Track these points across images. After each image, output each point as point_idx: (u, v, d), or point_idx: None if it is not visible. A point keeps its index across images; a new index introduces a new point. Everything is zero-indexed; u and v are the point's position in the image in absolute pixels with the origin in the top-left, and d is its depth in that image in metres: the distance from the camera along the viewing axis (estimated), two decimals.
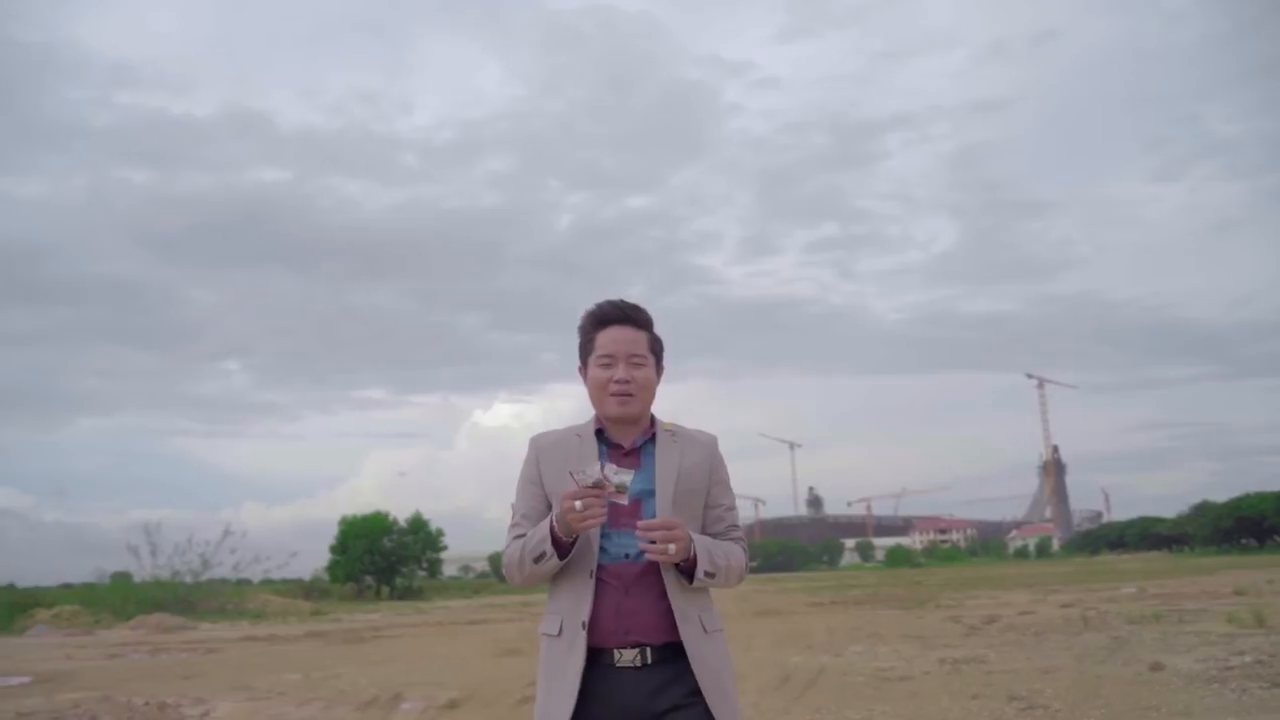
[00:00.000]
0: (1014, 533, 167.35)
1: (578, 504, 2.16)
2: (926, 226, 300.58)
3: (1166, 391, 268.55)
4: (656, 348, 2.48)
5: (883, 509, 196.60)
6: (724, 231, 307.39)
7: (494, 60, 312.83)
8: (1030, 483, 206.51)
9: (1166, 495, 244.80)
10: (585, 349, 2.46)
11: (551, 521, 2.26)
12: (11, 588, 42.04)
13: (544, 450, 2.46)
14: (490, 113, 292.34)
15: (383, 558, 52.89)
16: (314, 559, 56.86)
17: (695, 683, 2.23)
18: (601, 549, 2.31)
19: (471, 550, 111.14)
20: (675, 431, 2.46)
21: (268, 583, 43.56)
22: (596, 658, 2.25)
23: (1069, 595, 21.83)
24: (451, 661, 12.73)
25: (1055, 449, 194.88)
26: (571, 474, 2.19)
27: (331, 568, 53.01)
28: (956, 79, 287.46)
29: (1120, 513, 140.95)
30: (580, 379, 2.48)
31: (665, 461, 2.38)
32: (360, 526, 52.77)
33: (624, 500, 2.18)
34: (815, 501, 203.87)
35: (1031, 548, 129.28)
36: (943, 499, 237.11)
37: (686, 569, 2.28)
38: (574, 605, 2.29)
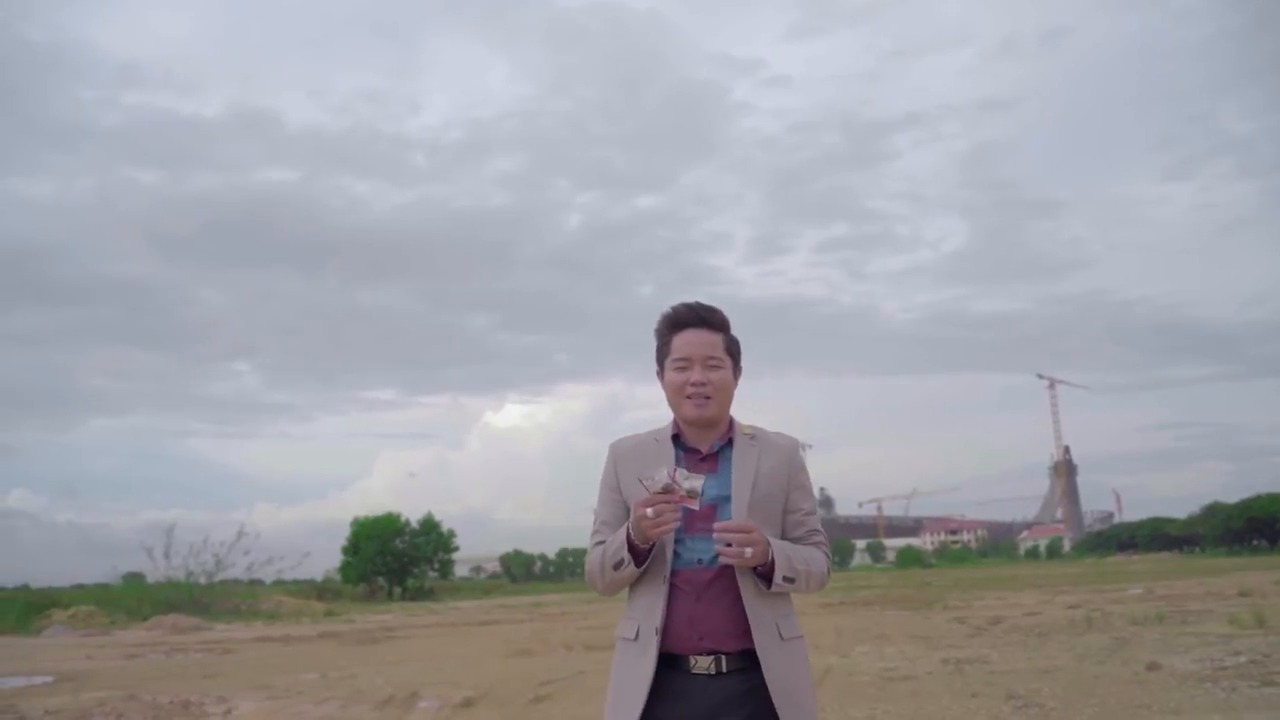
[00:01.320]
0: (1025, 533, 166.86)
1: (649, 511, 2.15)
2: (937, 226, 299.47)
3: (1178, 391, 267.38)
4: (733, 350, 2.46)
5: (893, 510, 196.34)
6: (734, 232, 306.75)
7: (502, 59, 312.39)
8: (1041, 483, 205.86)
9: (1178, 496, 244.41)
10: (662, 352, 2.47)
11: (628, 529, 2.27)
12: (25, 588, 42.47)
13: (621, 456, 2.47)
14: (499, 112, 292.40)
15: (394, 558, 53.34)
16: (325, 559, 57.39)
17: (768, 695, 2.22)
18: (676, 554, 2.31)
19: (482, 551, 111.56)
20: (755, 435, 2.44)
21: (279, 583, 43.93)
22: (671, 663, 2.26)
23: (1076, 596, 21.96)
24: (465, 662, 12.97)
25: (1066, 449, 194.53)
26: (640, 480, 2.20)
27: (344, 568, 53.45)
28: (966, 77, 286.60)
29: (1132, 513, 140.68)
30: (659, 383, 2.49)
31: (742, 466, 2.37)
32: (372, 527, 53.23)
33: (695, 505, 2.18)
34: (826, 502, 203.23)
35: (1042, 549, 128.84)
36: (954, 499, 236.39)
37: (764, 573, 2.26)
38: (649, 611, 2.30)
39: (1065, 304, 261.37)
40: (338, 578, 53.60)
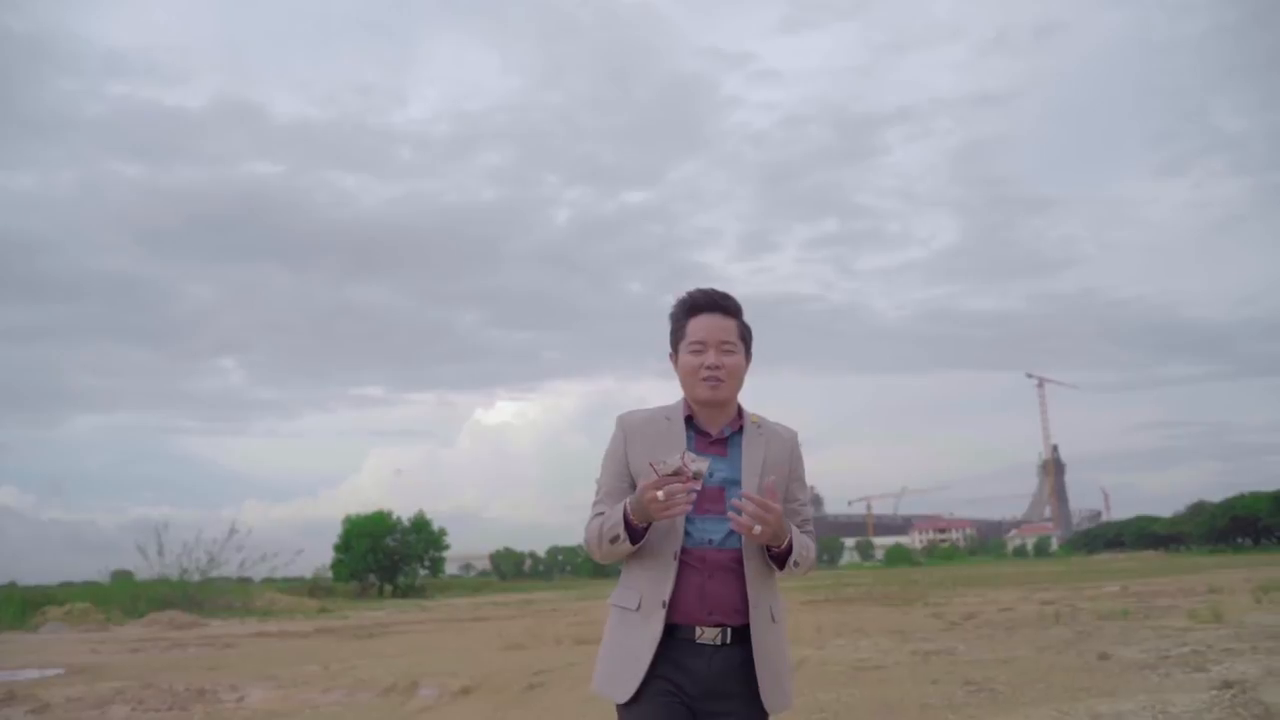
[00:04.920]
0: (1013, 532, 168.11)
1: (660, 494, 2.20)
2: (928, 223, 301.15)
3: (1169, 390, 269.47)
4: (746, 336, 2.54)
5: (883, 508, 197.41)
6: (723, 228, 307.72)
7: (492, 51, 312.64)
8: (1030, 482, 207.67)
9: (1169, 495, 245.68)
10: (676, 335, 2.54)
11: (626, 506, 2.34)
12: (13, 586, 42.68)
13: (632, 429, 2.52)
14: (487, 105, 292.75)
15: (386, 556, 53.92)
16: (315, 557, 57.89)
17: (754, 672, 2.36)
18: (686, 533, 2.38)
19: (472, 549, 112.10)
20: (761, 424, 2.53)
21: (269, 581, 44.25)
22: (675, 632, 2.35)
23: (1054, 593, 22.55)
24: (460, 654, 13.53)
25: (1055, 448, 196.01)
26: (652, 465, 2.24)
27: (335, 566, 54.01)
28: (959, 71, 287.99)
29: (1122, 512, 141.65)
30: (671, 365, 2.57)
31: (751, 453, 2.45)
32: (364, 525, 53.80)
33: (699, 486, 2.23)
34: (815, 500, 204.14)
35: (1030, 547, 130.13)
36: (943, 498, 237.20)
37: (778, 556, 2.39)
38: (655, 584, 2.38)
39: (1057, 302, 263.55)
40: (328, 575, 54.12)
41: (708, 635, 2.34)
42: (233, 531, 36.24)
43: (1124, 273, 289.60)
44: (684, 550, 2.38)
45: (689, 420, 2.50)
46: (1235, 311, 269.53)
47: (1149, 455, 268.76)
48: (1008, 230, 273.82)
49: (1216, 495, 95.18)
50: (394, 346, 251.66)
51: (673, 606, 2.35)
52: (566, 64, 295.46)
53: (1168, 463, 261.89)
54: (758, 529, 2.24)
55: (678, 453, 2.26)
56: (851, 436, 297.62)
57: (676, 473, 2.19)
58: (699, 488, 2.24)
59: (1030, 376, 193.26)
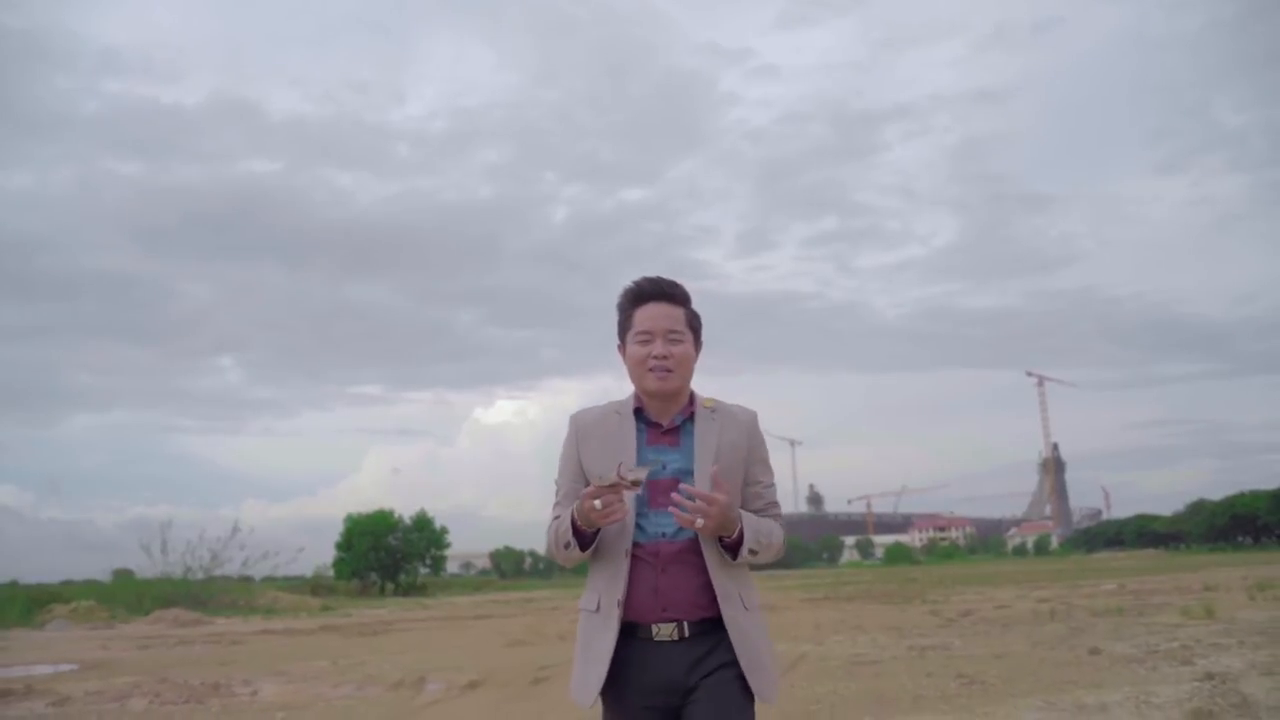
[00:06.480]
0: (1013, 530, 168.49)
1: (597, 503, 2.20)
2: (927, 220, 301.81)
3: (1168, 388, 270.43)
4: (694, 324, 2.48)
5: (883, 507, 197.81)
6: (722, 225, 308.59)
7: (488, 48, 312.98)
8: (1030, 481, 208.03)
9: (1169, 493, 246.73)
10: (623, 326, 2.48)
11: (573, 513, 2.32)
12: (14, 584, 42.90)
13: (584, 429, 2.50)
14: (485, 102, 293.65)
15: (388, 555, 54.24)
16: (315, 555, 58.36)
17: (732, 653, 2.30)
18: (639, 527, 2.35)
19: (472, 548, 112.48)
20: (715, 408, 2.47)
21: (270, 580, 44.52)
22: (633, 632, 2.32)
23: (1051, 591, 22.77)
24: (464, 651, 13.77)
25: (1055, 447, 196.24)
26: (592, 481, 2.27)
27: (337, 564, 54.35)
28: (958, 68, 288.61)
29: (1122, 510, 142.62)
30: (620, 357, 2.52)
31: (704, 439, 2.40)
32: (365, 524, 54.10)
33: (638, 490, 2.24)
34: (816, 499, 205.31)
35: (1030, 545, 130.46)
36: (943, 496, 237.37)
37: (730, 545, 2.32)
38: (610, 583, 2.36)
39: (1056, 300, 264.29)
40: (329, 573, 54.47)
41: (664, 632, 2.31)
42: (236, 530, 36.61)
43: (1123, 270, 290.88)
44: (636, 546, 2.35)
45: (639, 413, 2.46)
46: (1234, 309, 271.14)
47: (1148, 453, 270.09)
48: (1006, 228, 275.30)
49: (1216, 494, 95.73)
50: (392, 345, 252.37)
51: (628, 605, 2.32)
52: (563, 61, 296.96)
53: (1167, 461, 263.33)
54: (700, 522, 2.22)
55: (629, 448, 2.33)
56: (851, 435, 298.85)
57: (613, 485, 2.20)
58: (639, 491, 2.26)
59: (1030, 374, 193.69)
